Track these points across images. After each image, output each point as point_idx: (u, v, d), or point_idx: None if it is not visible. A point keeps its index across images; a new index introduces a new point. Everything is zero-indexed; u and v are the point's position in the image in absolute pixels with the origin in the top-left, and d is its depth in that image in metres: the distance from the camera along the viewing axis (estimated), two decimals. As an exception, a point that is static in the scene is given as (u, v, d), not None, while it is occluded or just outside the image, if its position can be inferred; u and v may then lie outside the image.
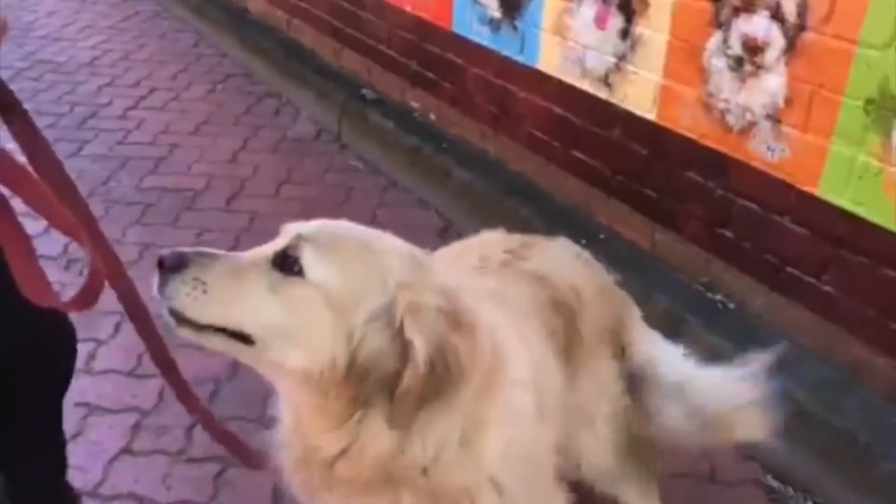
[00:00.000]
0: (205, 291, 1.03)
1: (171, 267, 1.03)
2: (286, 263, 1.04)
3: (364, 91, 3.91)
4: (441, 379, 1.01)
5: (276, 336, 1.04)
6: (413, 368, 0.99)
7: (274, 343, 1.04)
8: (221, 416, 2.15)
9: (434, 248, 1.34)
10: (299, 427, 1.11)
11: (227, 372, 2.28)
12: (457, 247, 1.55)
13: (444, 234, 2.98)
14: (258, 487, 1.92)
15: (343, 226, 1.12)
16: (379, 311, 1.02)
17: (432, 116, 3.61)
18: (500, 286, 1.35)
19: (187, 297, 1.03)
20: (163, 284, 1.03)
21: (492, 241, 1.54)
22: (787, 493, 2.00)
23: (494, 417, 1.10)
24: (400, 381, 1.00)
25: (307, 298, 1.02)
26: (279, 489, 1.92)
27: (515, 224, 2.91)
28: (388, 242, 1.10)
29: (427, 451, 1.05)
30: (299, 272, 1.03)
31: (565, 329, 1.39)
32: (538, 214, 2.86)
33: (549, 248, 1.53)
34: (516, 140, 3.13)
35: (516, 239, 1.53)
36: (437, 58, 3.45)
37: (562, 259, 1.52)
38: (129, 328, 1.43)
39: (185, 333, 1.06)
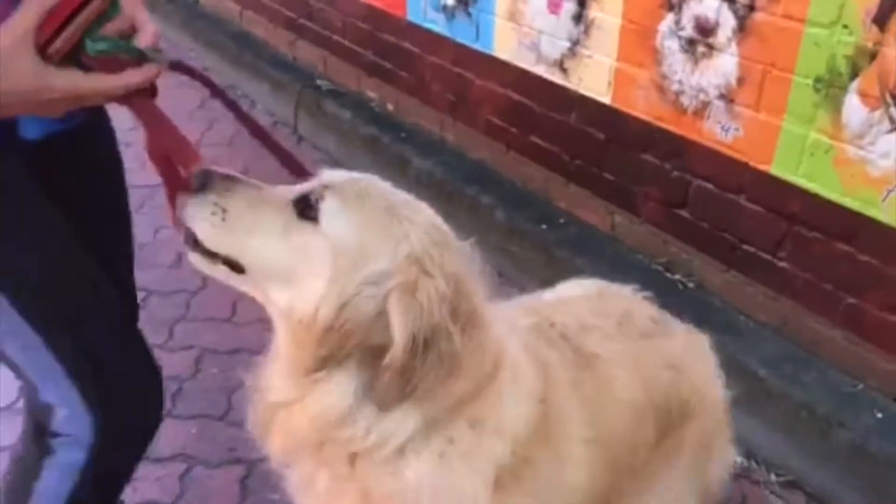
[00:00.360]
0: (223, 219, 1.00)
1: (196, 186, 1.01)
2: (306, 207, 1.01)
3: (319, 82, 3.87)
4: (426, 366, 0.94)
5: (272, 272, 1.01)
6: (394, 347, 0.94)
7: (267, 278, 1.01)
8: (185, 414, 2.17)
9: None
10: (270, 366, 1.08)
11: (190, 371, 2.28)
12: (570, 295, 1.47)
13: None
14: (225, 485, 1.90)
15: (377, 185, 1.06)
16: (377, 277, 0.97)
17: (390, 106, 3.59)
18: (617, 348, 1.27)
19: (205, 222, 1.01)
20: (187, 204, 1.01)
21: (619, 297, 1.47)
22: (750, 467, 2.04)
23: (457, 438, 1.01)
24: (382, 355, 0.95)
25: (313, 245, 0.99)
26: (246, 486, 1.91)
27: (477, 211, 2.94)
28: (418, 212, 1.03)
29: (367, 438, 0.99)
30: (314, 218, 1.00)
31: (667, 426, 1.31)
32: (499, 201, 2.86)
33: (692, 340, 1.45)
34: (475, 127, 3.12)
35: (649, 310, 1.43)
36: (392, 47, 3.43)
37: (701, 356, 1.44)
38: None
39: (196, 260, 1.04)
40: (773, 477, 2.03)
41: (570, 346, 1.23)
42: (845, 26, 1.85)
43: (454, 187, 3.00)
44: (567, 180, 2.76)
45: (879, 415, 1.94)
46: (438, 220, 1.05)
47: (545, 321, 1.26)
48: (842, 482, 1.93)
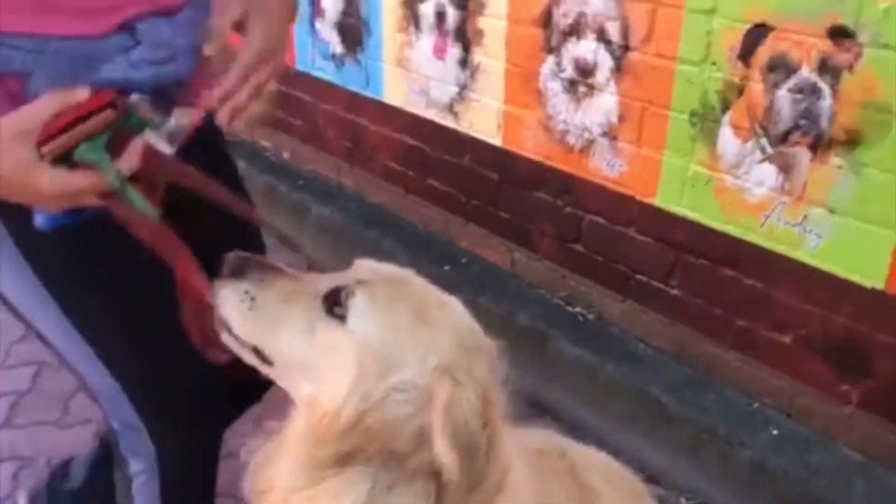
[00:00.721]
0: (250, 308, 1.01)
1: (229, 272, 1.03)
2: (335, 303, 1.00)
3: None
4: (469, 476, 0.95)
5: (297, 367, 1.01)
6: (445, 469, 0.94)
7: (292, 371, 1.02)
8: (23, 423, 2.29)
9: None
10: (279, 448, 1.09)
11: (28, 385, 2.42)
12: None
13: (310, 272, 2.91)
14: None
15: (410, 282, 1.05)
16: (407, 385, 0.96)
17: (285, 154, 3.56)
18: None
19: (234, 308, 1.02)
20: (219, 287, 1.03)
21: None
22: (660, 493, 2.08)
23: None
24: (408, 460, 0.96)
25: (339, 345, 0.98)
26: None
27: (379, 255, 2.92)
28: (448, 315, 1.03)
29: None
30: (342, 316, 0.99)
31: None
32: (401, 244, 2.87)
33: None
34: (372, 172, 3.13)
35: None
36: (283, 95, 3.41)
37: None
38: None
39: (228, 340, 1.05)
40: (682, 501, 2.08)
41: (575, 483, 1.23)
42: (713, 63, 1.95)
43: (355, 232, 3.00)
44: (466, 220, 2.79)
45: (775, 431, 2.01)
46: (469, 320, 1.05)
47: (555, 449, 1.27)
48: (745, 500, 1.99)
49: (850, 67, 1.72)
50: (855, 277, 1.84)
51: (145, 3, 1.06)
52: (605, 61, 2.18)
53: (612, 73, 2.17)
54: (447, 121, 2.69)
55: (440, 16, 2.57)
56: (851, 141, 1.77)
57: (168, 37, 1.08)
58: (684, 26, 1.98)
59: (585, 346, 2.34)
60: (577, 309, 2.47)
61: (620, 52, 2.13)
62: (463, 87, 2.59)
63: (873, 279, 1.81)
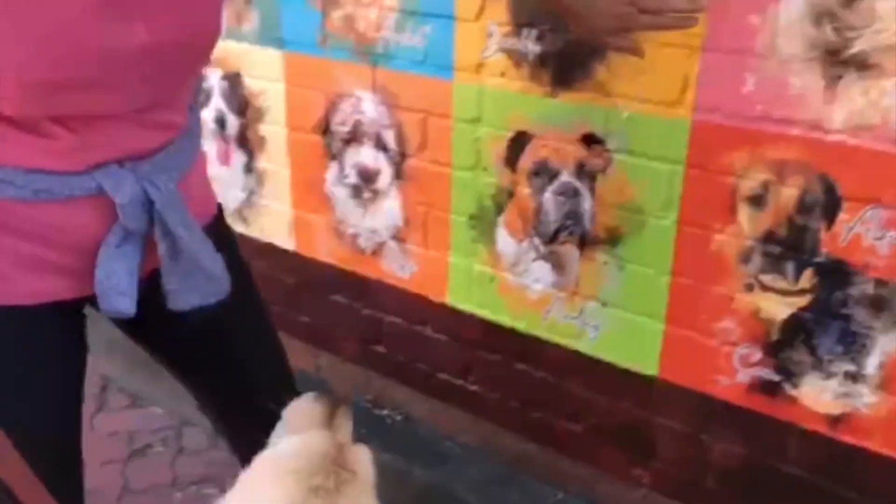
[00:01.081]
0: None
1: None
2: None
3: None
4: None
5: None
6: None
7: None
8: None
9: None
10: None
11: None
12: None
13: (180, 432, 2.67)
14: None
15: None
16: None
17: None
18: None
19: None
20: None
21: None
22: None
23: None
24: None
25: None
26: None
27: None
28: None
29: None
30: None
31: None
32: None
33: None
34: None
35: None
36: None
37: None
38: None
39: None
40: None
41: None
42: (485, 169, 2.01)
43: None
44: (268, 326, 2.70)
45: (579, 521, 2.05)
46: None
47: None
48: None
49: (604, 171, 1.83)
50: (631, 366, 1.93)
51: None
52: (385, 167, 2.20)
53: (393, 179, 2.20)
54: (238, 226, 2.62)
55: (220, 122, 2.51)
56: (612, 239, 1.86)
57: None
58: (454, 135, 2.03)
59: (395, 451, 2.30)
60: (385, 411, 2.44)
61: (399, 159, 2.16)
62: (251, 193, 2.54)
63: (647, 367, 1.90)
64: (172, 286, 1.16)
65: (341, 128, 2.24)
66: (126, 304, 1.12)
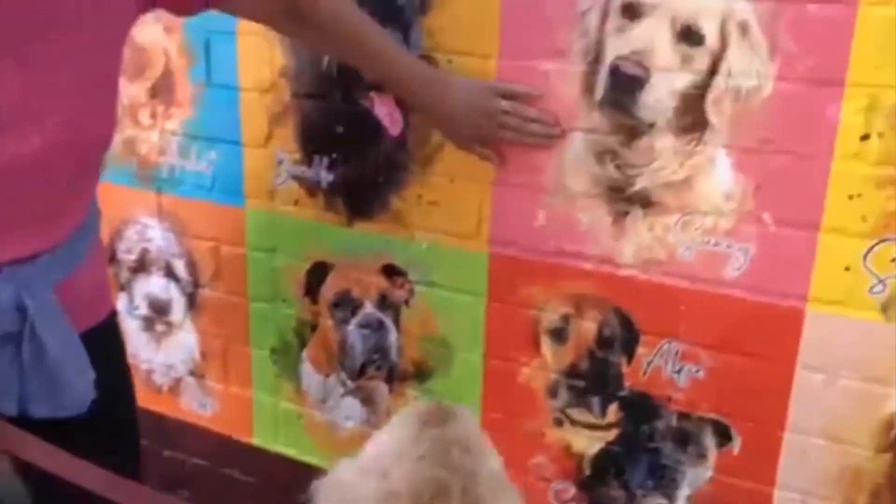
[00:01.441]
0: None
1: None
2: None
3: None
4: None
5: None
6: None
7: None
8: None
9: None
10: None
11: None
12: None
13: None
14: None
15: None
16: None
17: None
18: None
19: None
20: None
21: None
22: None
23: None
24: None
25: None
26: None
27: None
28: None
29: None
30: None
31: None
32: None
33: None
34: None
35: None
36: None
37: None
38: None
39: None
40: None
41: None
42: (284, 300, 1.87)
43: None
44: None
45: None
46: None
47: None
48: None
49: (407, 303, 1.73)
50: None
51: None
52: (177, 298, 2.02)
53: (187, 311, 2.01)
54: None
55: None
56: (421, 373, 1.76)
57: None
58: (249, 264, 1.89)
59: None
60: (192, 562, 2.20)
61: (191, 289, 1.99)
62: (31, 327, 2.27)
63: None
64: (27, 390, 1.10)
65: (127, 256, 2.04)
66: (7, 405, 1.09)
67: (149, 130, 1.92)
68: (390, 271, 1.73)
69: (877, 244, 1.28)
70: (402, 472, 0.97)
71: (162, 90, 1.88)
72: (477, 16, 1.49)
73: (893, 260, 1.28)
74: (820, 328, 1.36)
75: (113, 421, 1.33)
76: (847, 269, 1.31)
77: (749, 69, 1.30)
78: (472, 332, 1.67)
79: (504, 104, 1.45)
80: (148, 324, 2.08)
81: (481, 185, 1.57)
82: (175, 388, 2.10)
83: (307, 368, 1.89)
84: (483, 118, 1.46)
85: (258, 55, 1.73)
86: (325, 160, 1.73)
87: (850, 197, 1.28)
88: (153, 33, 1.84)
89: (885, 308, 1.30)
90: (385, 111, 1.61)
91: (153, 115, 1.90)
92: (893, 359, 1.32)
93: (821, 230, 1.31)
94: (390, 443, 1.04)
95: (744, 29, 1.29)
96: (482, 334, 1.66)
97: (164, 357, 2.09)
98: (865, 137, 1.25)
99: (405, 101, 1.55)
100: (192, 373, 2.06)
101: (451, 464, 0.98)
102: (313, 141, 1.73)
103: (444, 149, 1.59)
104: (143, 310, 2.07)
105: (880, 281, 1.29)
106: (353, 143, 1.69)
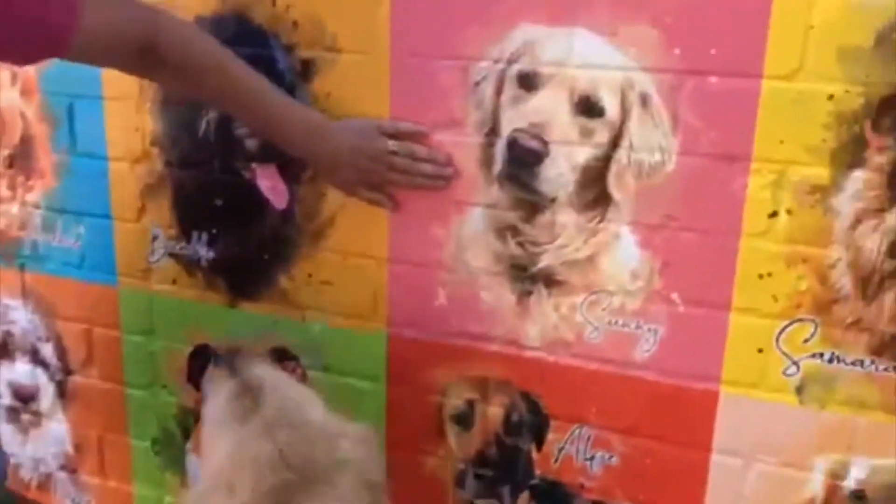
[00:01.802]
0: None
1: None
2: None
3: None
4: None
5: None
6: None
7: None
8: None
9: None
10: None
11: None
12: None
13: None
14: None
15: None
16: None
17: None
18: None
19: None
20: None
21: None
22: None
23: None
24: None
25: None
26: None
27: None
28: None
29: None
30: None
31: None
32: None
33: None
34: None
35: None
36: None
37: None
38: None
39: None
40: None
41: None
42: (164, 387, 1.70)
43: None
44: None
45: None
46: None
47: None
48: None
49: (300, 388, 1.59)
50: None
51: None
52: (45, 385, 1.82)
53: (56, 399, 1.82)
54: None
55: None
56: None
57: None
58: (124, 348, 1.71)
59: None
60: None
61: (61, 376, 1.80)
62: None
63: None
64: None
65: (-13, 341, 1.84)
66: None
67: (8, 203, 1.73)
68: (280, 355, 1.59)
69: (789, 325, 1.22)
70: (246, 481, 1.01)
71: (20, 158, 1.70)
72: (365, 81, 1.38)
73: (806, 341, 1.22)
74: (734, 411, 1.29)
75: None
76: (760, 350, 1.24)
77: (651, 143, 1.23)
78: (372, 420, 1.54)
79: (391, 144, 1.34)
80: (13, 415, 1.87)
81: (377, 261, 1.46)
82: (45, 483, 1.89)
83: (192, 459, 1.72)
84: (369, 161, 1.34)
85: (127, 121, 1.58)
86: (205, 236, 1.58)
87: (761, 276, 1.22)
88: (8, 96, 1.66)
89: (799, 390, 1.24)
90: (268, 184, 1.48)
91: (12, 187, 1.72)
92: (810, 442, 1.26)
93: (732, 310, 1.25)
94: (220, 450, 1.07)
95: (644, 101, 1.22)
96: (383, 422, 1.53)
97: (31, 451, 1.88)
98: (774, 214, 1.19)
99: (283, 145, 1.38)
100: (63, 467, 1.86)
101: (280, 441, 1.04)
102: (191, 215, 1.58)
103: (336, 223, 1.47)
104: (7, 399, 1.86)
105: (794, 363, 1.23)
106: (235, 217, 1.54)
